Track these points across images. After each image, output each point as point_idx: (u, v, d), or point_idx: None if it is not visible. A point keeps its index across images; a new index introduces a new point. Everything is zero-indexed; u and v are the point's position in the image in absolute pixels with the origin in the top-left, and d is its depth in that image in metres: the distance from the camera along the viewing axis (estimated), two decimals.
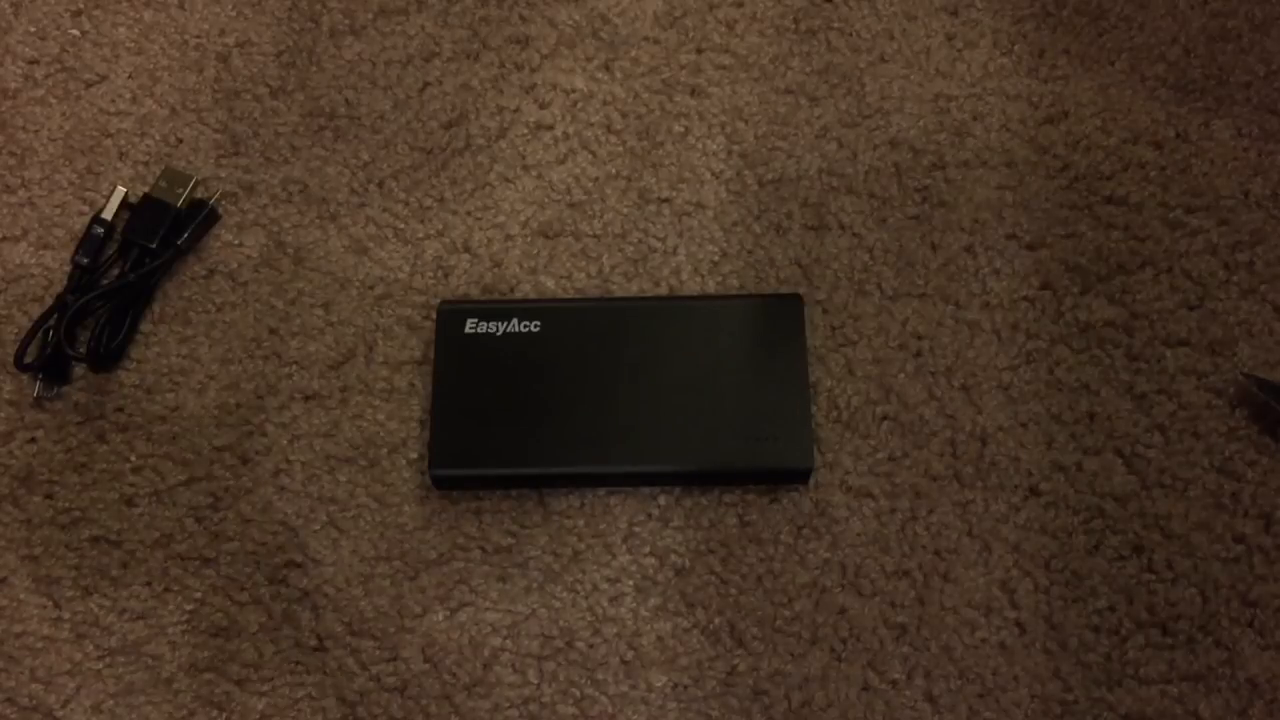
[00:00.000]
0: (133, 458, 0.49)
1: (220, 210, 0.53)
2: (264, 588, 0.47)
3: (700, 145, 0.54)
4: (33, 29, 0.57)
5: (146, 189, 0.53)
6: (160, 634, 0.47)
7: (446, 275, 0.52)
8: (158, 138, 0.55)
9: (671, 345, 0.49)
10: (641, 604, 0.47)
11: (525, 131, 0.55)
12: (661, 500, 0.48)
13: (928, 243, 0.52)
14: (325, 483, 0.49)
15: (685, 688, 0.46)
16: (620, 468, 0.48)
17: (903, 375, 0.50)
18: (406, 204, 0.53)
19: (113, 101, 0.55)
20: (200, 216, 0.52)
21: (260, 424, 0.50)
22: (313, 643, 0.46)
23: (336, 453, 0.49)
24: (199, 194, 0.53)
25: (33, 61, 0.56)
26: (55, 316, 0.50)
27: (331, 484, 0.49)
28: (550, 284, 0.52)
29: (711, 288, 0.52)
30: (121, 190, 0.53)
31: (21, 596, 0.47)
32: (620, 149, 0.54)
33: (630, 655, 0.46)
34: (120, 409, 0.50)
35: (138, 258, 0.51)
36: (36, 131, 0.55)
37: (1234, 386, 0.50)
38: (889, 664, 0.46)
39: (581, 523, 0.48)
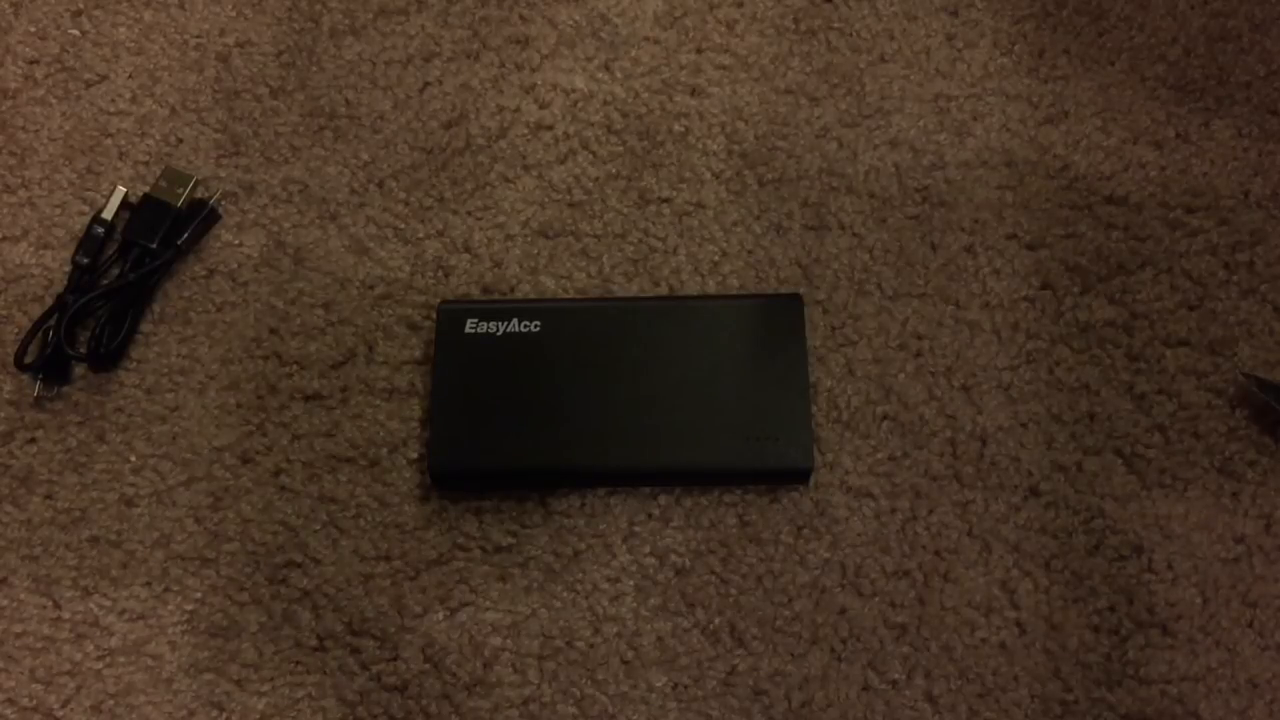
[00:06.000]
0: (133, 458, 0.49)
1: (220, 210, 0.53)
2: (264, 588, 0.47)
3: (700, 145, 0.54)
4: (33, 29, 0.57)
5: (146, 189, 0.53)
6: (160, 634, 0.47)
7: (446, 275, 0.52)
8: (158, 138, 0.55)
9: (671, 345, 0.49)
10: (641, 604, 0.47)
11: (525, 131, 0.55)
12: (661, 500, 0.48)
13: (928, 243, 0.52)
14: (325, 483, 0.49)
15: (685, 688, 0.46)
16: (620, 467, 0.48)
17: (903, 375, 0.50)
18: (406, 204, 0.53)
19: (113, 101, 0.55)
20: (200, 216, 0.52)
21: (260, 424, 0.50)
22: (313, 643, 0.46)
23: (336, 453, 0.49)
24: (199, 194, 0.53)
25: (33, 61, 0.56)
26: (55, 316, 0.50)
27: (331, 484, 0.49)
28: (550, 284, 0.52)
29: (711, 288, 0.52)
30: (121, 190, 0.53)
31: (21, 596, 0.47)
32: (620, 149, 0.54)
33: (630, 655, 0.46)
34: (120, 409, 0.50)
35: (138, 258, 0.51)
36: (36, 131, 0.55)
37: (1234, 386, 0.50)
38: (889, 664, 0.46)
39: (581, 523, 0.48)
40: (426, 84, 0.56)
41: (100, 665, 0.46)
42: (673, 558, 0.48)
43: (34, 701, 0.46)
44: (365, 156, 0.54)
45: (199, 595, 0.47)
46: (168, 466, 0.49)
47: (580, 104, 0.55)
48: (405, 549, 0.48)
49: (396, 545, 0.48)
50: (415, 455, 0.49)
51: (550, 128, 0.55)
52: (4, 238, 0.53)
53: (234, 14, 0.57)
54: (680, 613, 0.47)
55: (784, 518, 0.48)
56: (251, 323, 0.51)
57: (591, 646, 0.46)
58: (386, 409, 0.50)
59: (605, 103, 0.55)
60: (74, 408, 0.50)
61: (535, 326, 0.49)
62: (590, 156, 0.54)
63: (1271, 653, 0.46)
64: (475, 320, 0.49)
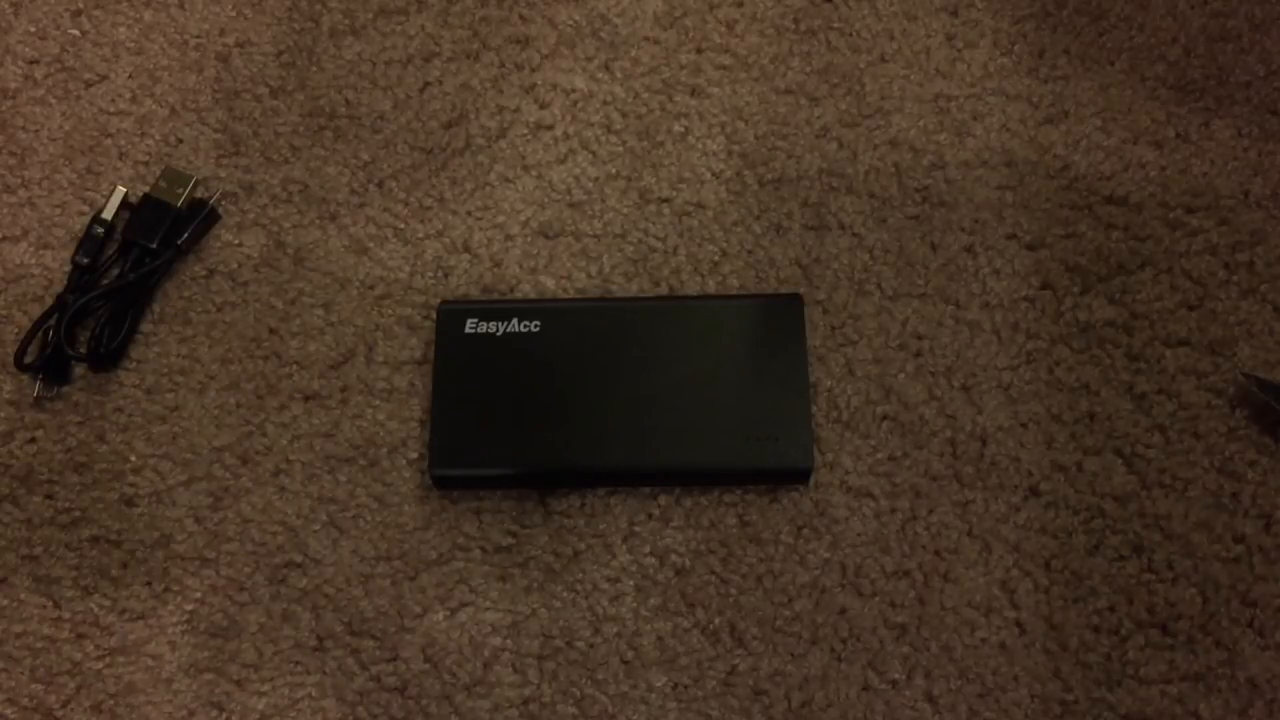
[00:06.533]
0: (133, 458, 0.49)
1: (220, 210, 0.53)
2: (264, 588, 0.47)
3: (700, 145, 0.54)
4: (33, 29, 0.57)
5: (146, 189, 0.53)
6: (160, 634, 0.47)
7: (446, 275, 0.52)
8: (158, 138, 0.55)
9: (671, 345, 0.49)
10: (641, 604, 0.47)
11: (525, 131, 0.55)
12: (661, 500, 0.48)
13: (928, 243, 0.52)
14: (325, 483, 0.49)
15: (685, 688, 0.46)
16: (620, 467, 0.48)
17: (903, 375, 0.50)
18: (406, 204, 0.53)
19: (113, 101, 0.55)
20: (200, 216, 0.52)
21: (260, 424, 0.50)
22: (313, 643, 0.46)
23: (336, 453, 0.49)
24: (199, 194, 0.53)
25: (33, 61, 0.56)
26: (55, 316, 0.50)
27: (331, 484, 0.49)
28: (550, 284, 0.52)
29: (711, 288, 0.52)
30: (121, 190, 0.53)
31: (21, 596, 0.47)
32: (620, 149, 0.54)
33: (630, 655, 0.46)
34: (120, 409, 0.50)
35: (138, 258, 0.51)
36: (36, 131, 0.55)
37: (1234, 386, 0.50)
38: (889, 664, 0.46)
39: (581, 523, 0.48)
40: (426, 84, 0.56)
41: (100, 665, 0.46)
42: (673, 558, 0.48)
43: (34, 701, 0.46)
44: (365, 156, 0.54)
45: (199, 595, 0.47)
46: (168, 466, 0.49)
47: (580, 104, 0.55)
48: (405, 549, 0.48)
49: (396, 545, 0.48)
50: (415, 455, 0.49)
51: (550, 128, 0.55)
52: (4, 238, 0.53)
53: (234, 14, 0.57)
54: (680, 613, 0.47)
55: (784, 518, 0.48)
56: (251, 323, 0.51)
57: (591, 646, 0.46)
58: (386, 409, 0.50)
59: (605, 103, 0.55)
60: (74, 408, 0.50)
61: (535, 326, 0.49)
62: (590, 156, 0.54)
63: (1271, 653, 0.46)
64: (475, 320, 0.49)
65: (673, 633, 0.47)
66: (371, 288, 0.52)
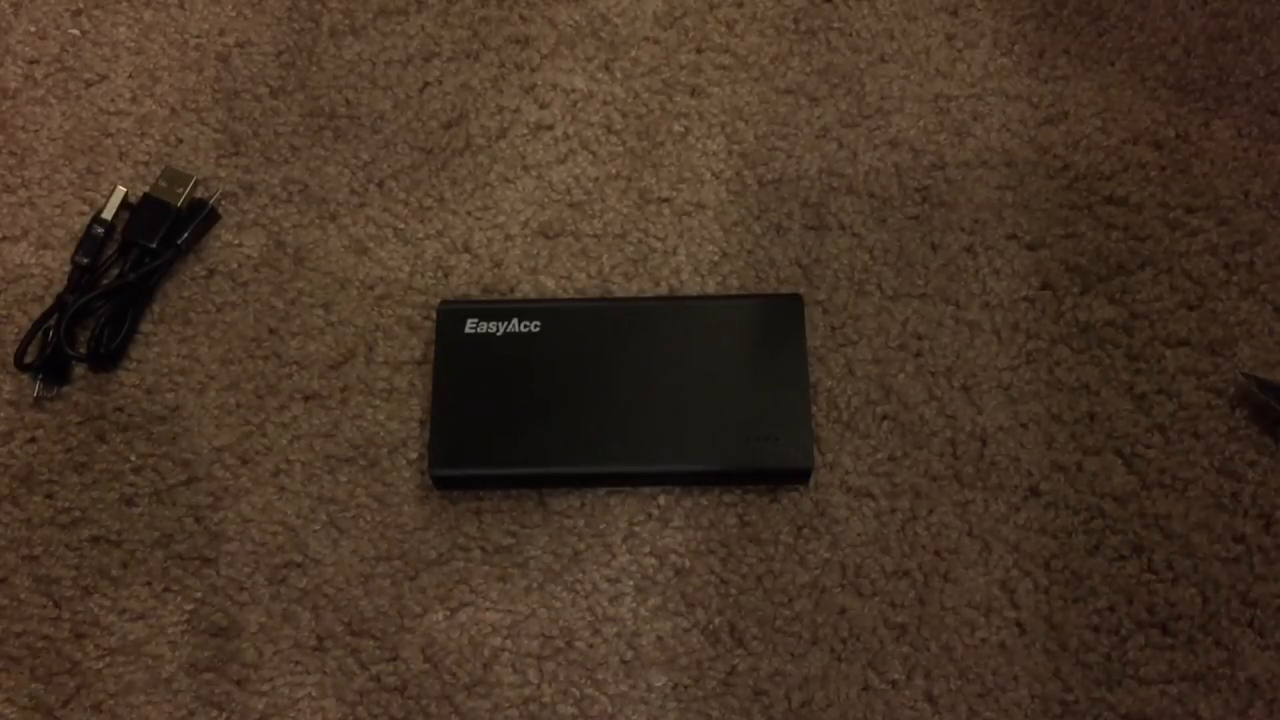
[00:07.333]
0: (133, 458, 0.49)
1: (220, 210, 0.53)
2: (264, 588, 0.47)
3: (700, 145, 0.54)
4: (33, 29, 0.57)
5: (146, 189, 0.53)
6: (160, 634, 0.47)
7: (446, 275, 0.52)
8: (158, 138, 0.55)
9: (671, 345, 0.49)
10: (641, 604, 0.47)
11: (525, 131, 0.55)
12: (661, 500, 0.48)
13: (928, 243, 0.52)
14: (325, 483, 0.49)
15: (685, 688, 0.46)
16: (620, 468, 0.48)
17: (903, 375, 0.50)
18: (406, 204, 0.53)
19: (113, 101, 0.55)
20: (200, 216, 0.52)
21: (260, 424, 0.50)
22: (313, 643, 0.46)
23: (336, 453, 0.49)
24: (199, 194, 0.53)
25: (33, 61, 0.56)
26: (55, 316, 0.50)
27: (331, 484, 0.49)
28: (550, 284, 0.52)
29: (711, 288, 0.52)
30: (121, 190, 0.53)
31: (21, 596, 0.47)
32: (620, 149, 0.54)
33: (630, 655, 0.46)
34: (120, 409, 0.50)
35: (138, 258, 0.51)
36: (36, 131, 0.55)
37: (1234, 386, 0.50)
38: (889, 664, 0.46)
39: (581, 523, 0.48)
40: (426, 84, 0.56)
41: (100, 665, 0.46)
42: (673, 558, 0.48)
43: (34, 701, 0.46)
44: (365, 156, 0.54)
45: (199, 595, 0.47)
46: (168, 466, 0.49)
47: (580, 104, 0.55)
48: (405, 549, 0.48)
49: (396, 545, 0.48)
50: (415, 455, 0.49)
51: (550, 128, 0.55)
52: (4, 238, 0.53)
53: (234, 14, 0.57)
54: (680, 613, 0.47)
55: (784, 518, 0.48)
56: (251, 323, 0.51)
57: (591, 646, 0.46)
58: (386, 409, 0.50)
59: (605, 103, 0.55)
60: (74, 408, 0.50)
61: (535, 326, 0.49)
62: (590, 156, 0.54)
63: (1271, 653, 0.46)
64: (475, 320, 0.49)
65: (673, 633, 0.47)
66: (371, 288, 0.52)
